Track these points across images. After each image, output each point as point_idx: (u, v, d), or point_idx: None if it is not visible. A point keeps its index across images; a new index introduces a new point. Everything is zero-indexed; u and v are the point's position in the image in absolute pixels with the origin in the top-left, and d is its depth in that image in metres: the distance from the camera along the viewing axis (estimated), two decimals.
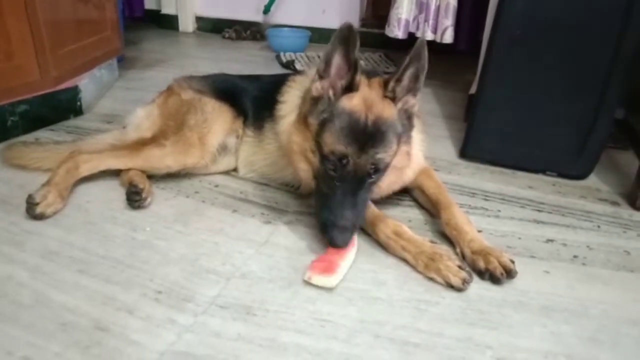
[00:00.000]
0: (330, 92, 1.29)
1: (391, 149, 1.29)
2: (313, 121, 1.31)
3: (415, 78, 1.30)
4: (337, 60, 1.26)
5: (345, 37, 1.21)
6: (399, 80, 1.29)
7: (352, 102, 1.26)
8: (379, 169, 1.29)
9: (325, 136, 1.27)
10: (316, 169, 1.33)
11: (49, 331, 1.06)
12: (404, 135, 1.34)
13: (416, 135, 1.42)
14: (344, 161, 1.24)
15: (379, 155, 1.26)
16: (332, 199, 1.26)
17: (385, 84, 1.31)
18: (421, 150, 1.57)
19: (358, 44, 1.22)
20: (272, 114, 1.61)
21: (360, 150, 1.24)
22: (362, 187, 1.28)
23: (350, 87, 1.27)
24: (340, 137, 1.24)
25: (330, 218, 1.25)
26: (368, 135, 1.25)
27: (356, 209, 1.27)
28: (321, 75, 1.29)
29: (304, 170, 1.40)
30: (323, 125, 1.28)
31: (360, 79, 1.29)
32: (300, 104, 1.45)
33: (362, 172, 1.26)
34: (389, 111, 1.29)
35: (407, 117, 1.35)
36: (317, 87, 1.30)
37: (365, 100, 1.27)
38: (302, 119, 1.36)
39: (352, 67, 1.25)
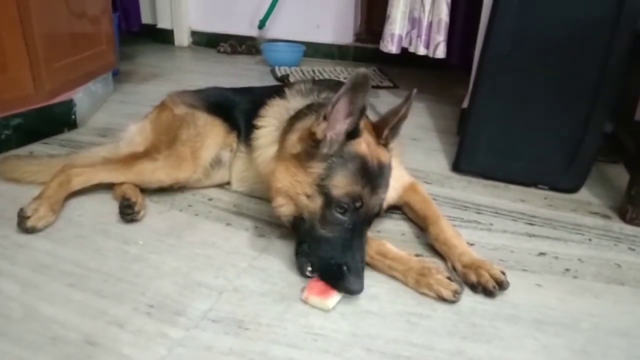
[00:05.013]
0: (333, 135, 1.26)
1: (389, 188, 1.34)
2: (316, 165, 1.26)
3: (398, 124, 1.34)
4: (344, 104, 1.22)
5: (358, 83, 1.17)
6: (392, 128, 1.32)
7: (361, 147, 1.26)
8: (381, 210, 1.33)
9: (336, 179, 1.23)
10: (311, 213, 1.27)
11: (39, 345, 1.05)
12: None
13: (394, 159, 1.41)
14: (358, 203, 1.23)
15: (383, 195, 1.30)
16: (340, 243, 1.22)
17: (376, 130, 1.33)
18: (400, 165, 1.58)
19: (369, 90, 1.20)
20: None
21: (372, 192, 1.25)
22: (368, 228, 1.31)
23: (355, 132, 1.26)
24: (356, 180, 1.23)
25: (342, 263, 1.19)
26: (377, 178, 1.26)
27: (363, 249, 1.26)
28: (326, 118, 1.25)
29: (281, 207, 1.35)
30: (331, 169, 1.25)
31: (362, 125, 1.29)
32: (279, 138, 1.43)
33: (372, 213, 1.28)
34: (385, 155, 1.31)
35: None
36: (322, 130, 1.25)
37: (369, 145, 1.28)
38: (291, 159, 1.32)
39: (358, 112, 1.23)
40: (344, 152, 1.25)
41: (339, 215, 1.23)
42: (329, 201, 1.24)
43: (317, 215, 1.26)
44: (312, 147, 1.27)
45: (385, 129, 1.31)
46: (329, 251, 1.23)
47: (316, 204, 1.26)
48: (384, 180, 1.30)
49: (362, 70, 1.17)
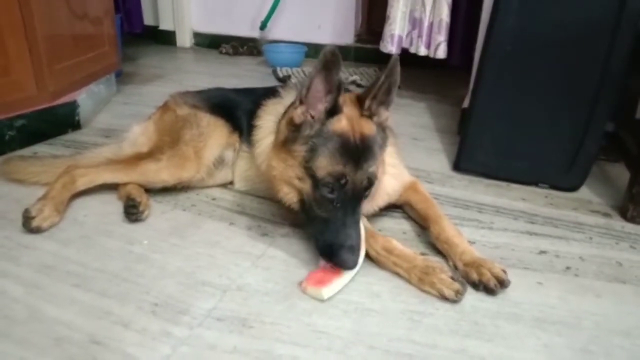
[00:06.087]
0: (314, 116, 1.28)
1: (378, 160, 1.33)
2: (299, 148, 1.29)
3: (388, 92, 1.33)
4: (319, 84, 1.25)
5: (328, 61, 1.20)
6: (374, 98, 1.31)
7: (341, 124, 1.27)
8: (372, 182, 1.32)
9: (318, 160, 1.26)
10: (306, 194, 1.31)
11: (43, 346, 1.06)
12: (382, 147, 1.37)
13: (392, 153, 1.42)
14: (342, 181, 1.25)
15: (371, 169, 1.29)
16: (334, 221, 1.25)
17: (360, 101, 1.33)
18: (398, 160, 1.58)
19: (341, 66, 1.21)
20: None
21: (356, 167, 1.26)
22: (360, 203, 1.31)
23: (334, 109, 1.28)
24: (336, 158, 1.25)
25: (337, 241, 1.23)
26: (360, 152, 1.27)
27: (357, 226, 1.28)
28: (302, 101, 1.28)
29: (287, 195, 1.38)
30: (313, 150, 1.27)
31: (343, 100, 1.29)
32: (275, 129, 1.44)
33: (359, 188, 1.28)
34: (369, 127, 1.31)
35: (382, 130, 1.37)
36: (300, 113, 1.29)
37: (350, 120, 1.29)
38: (281, 146, 1.35)
39: (334, 89, 1.25)
40: (323, 131, 1.27)
41: (327, 194, 1.26)
42: (315, 182, 1.27)
43: (311, 197, 1.30)
44: (293, 131, 1.31)
45: (366, 100, 1.31)
46: (324, 230, 1.27)
47: (307, 185, 1.30)
48: (369, 153, 1.29)
49: (330, 47, 1.19)
